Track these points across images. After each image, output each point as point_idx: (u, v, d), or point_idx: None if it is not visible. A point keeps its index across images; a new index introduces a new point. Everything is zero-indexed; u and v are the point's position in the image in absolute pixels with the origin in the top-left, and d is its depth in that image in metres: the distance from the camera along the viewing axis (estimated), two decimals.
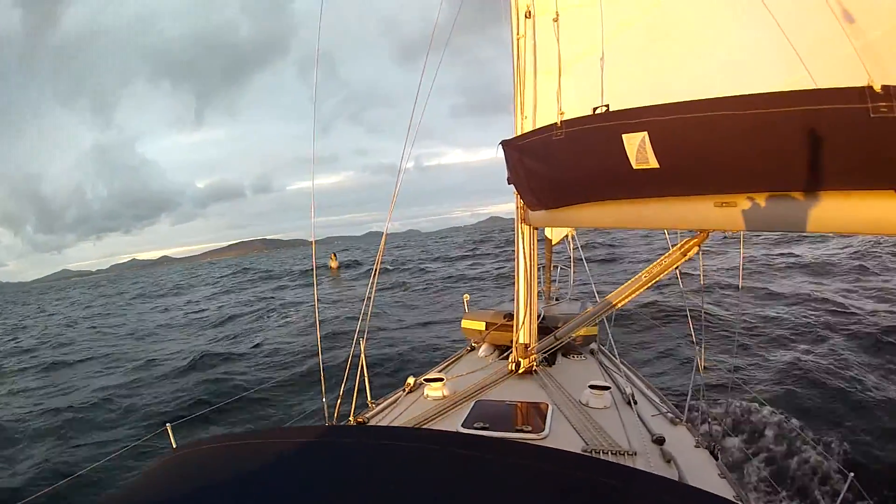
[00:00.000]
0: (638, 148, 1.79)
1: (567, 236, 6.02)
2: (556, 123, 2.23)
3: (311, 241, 3.58)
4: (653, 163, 1.78)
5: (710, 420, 4.67)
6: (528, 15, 3.18)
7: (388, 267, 26.36)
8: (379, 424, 2.79)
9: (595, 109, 2.31)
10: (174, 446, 1.62)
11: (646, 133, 1.77)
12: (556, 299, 5.67)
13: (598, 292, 4.82)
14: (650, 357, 7.60)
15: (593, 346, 4.00)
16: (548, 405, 2.70)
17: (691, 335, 3.72)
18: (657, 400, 3.17)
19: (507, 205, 3.65)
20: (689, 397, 3.39)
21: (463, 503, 1.07)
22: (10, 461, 6.31)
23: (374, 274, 3.43)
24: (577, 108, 2.47)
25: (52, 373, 11.28)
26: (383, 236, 3.70)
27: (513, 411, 2.70)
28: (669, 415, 2.83)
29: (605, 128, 1.94)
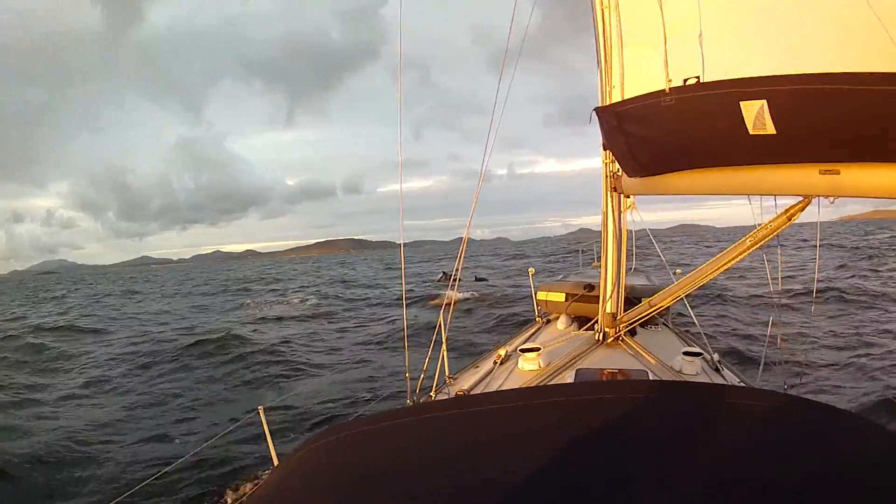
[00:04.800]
0: (756, 115, 1.97)
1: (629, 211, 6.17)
2: (663, 90, 2.38)
3: (400, 244, 3.94)
4: (770, 129, 1.96)
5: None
6: None
7: None
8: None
9: (685, 81, 2.46)
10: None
11: (765, 101, 1.94)
12: None
13: (669, 265, 4.79)
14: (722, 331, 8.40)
15: (667, 317, 4.05)
16: (647, 372, 2.80)
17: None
18: (736, 370, 3.27)
19: (598, 217, 3.59)
20: (760, 370, 3.55)
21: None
22: None
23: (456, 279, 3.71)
24: (662, 79, 2.62)
25: None
26: (462, 242, 3.83)
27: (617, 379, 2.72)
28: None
29: (722, 95, 2.08)
